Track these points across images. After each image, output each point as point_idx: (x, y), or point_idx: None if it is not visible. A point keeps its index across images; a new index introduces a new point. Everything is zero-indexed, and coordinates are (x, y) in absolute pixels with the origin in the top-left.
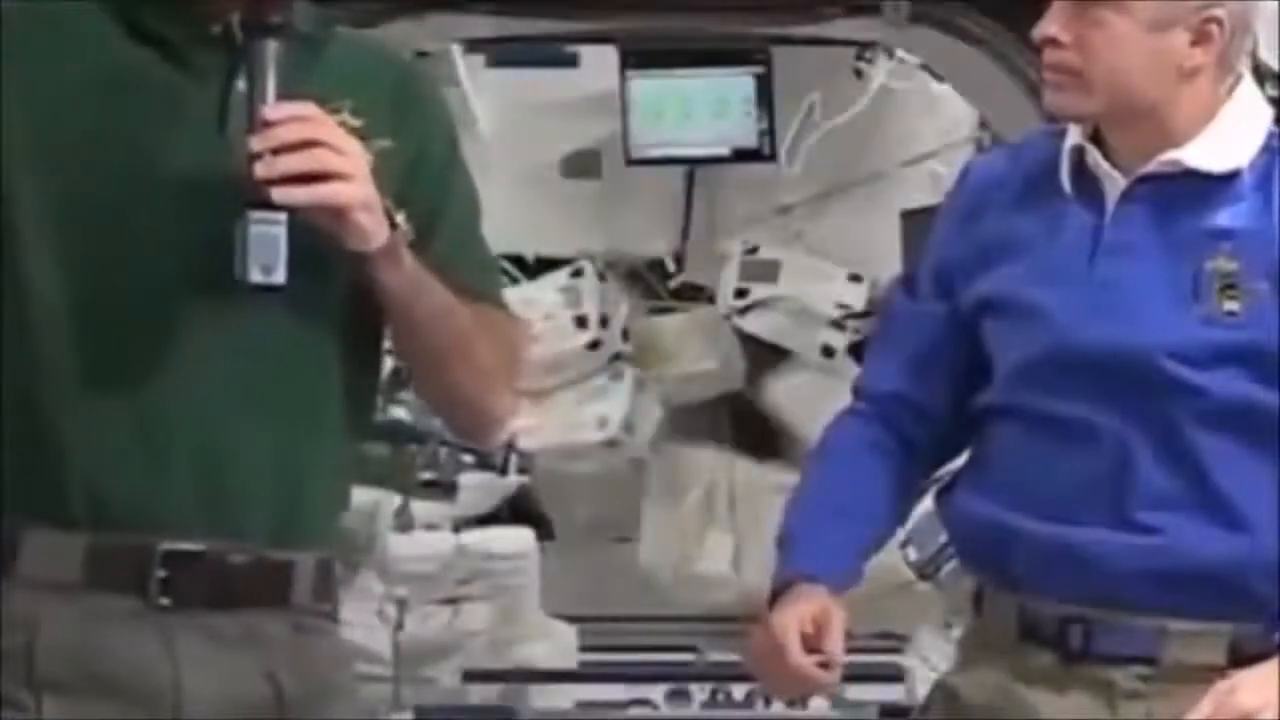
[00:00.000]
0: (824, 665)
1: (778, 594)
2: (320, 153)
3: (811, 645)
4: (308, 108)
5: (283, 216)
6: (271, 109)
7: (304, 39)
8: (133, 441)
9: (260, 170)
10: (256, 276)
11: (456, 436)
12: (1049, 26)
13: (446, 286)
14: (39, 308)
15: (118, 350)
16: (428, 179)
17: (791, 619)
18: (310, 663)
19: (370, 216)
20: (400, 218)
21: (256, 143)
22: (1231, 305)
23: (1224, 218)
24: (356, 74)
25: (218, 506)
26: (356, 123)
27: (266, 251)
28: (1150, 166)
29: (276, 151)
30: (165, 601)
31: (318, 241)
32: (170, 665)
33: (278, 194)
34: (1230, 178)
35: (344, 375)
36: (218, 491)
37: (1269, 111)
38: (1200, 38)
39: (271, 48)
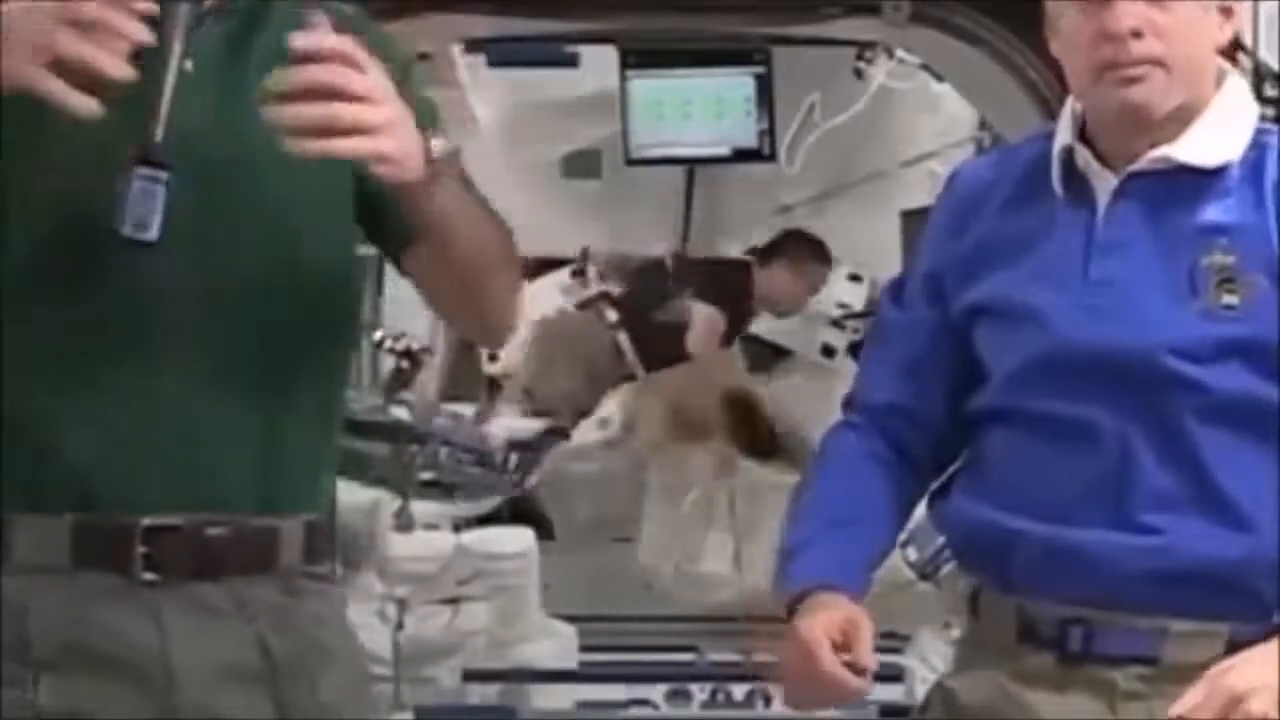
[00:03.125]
0: (856, 672)
1: (792, 607)
2: (340, 107)
3: (841, 653)
4: (340, 43)
5: (164, 176)
6: (299, 38)
7: (244, 13)
8: (110, 422)
9: (276, 116)
10: (130, 231)
11: (479, 342)
12: (1127, 19)
13: (409, 221)
14: (11, 290)
15: (90, 331)
16: None
17: (820, 627)
18: (301, 624)
19: (393, 167)
20: (439, 143)
21: (275, 83)
22: (1230, 299)
23: (1217, 213)
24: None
25: (197, 480)
26: None
27: (145, 207)
28: (1141, 163)
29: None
30: (150, 576)
31: (285, 208)
32: (158, 637)
33: (295, 145)
34: (1220, 173)
35: (320, 337)
36: (196, 465)
37: (1255, 106)
38: (1226, 14)
39: (183, 10)
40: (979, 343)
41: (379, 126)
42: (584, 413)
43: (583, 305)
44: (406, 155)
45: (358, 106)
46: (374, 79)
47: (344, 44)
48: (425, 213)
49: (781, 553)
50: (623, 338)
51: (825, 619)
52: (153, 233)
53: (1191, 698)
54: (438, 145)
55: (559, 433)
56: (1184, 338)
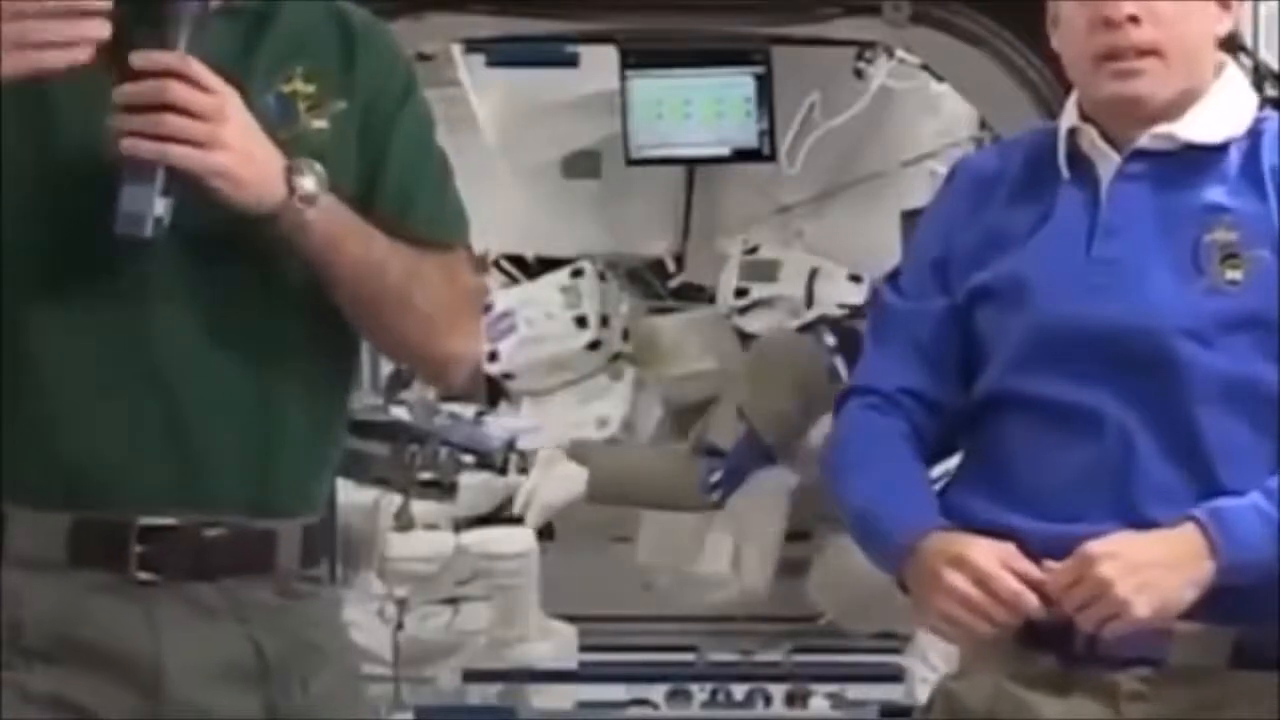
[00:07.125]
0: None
1: (904, 556)
2: (170, 118)
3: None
4: (173, 60)
5: (160, 175)
6: (138, 56)
7: (253, 12)
8: (108, 421)
9: (115, 123)
10: (123, 226)
11: (422, 378)
12: (1126, 6)
13: (398, 236)
14: (10, 290)
15: (88, 330)
16: (374, 131)
17: (985, 549)
18: (296, 626)
19: (233, 184)
20: (308, 181)
21: (118, 96)
22: (1234, 274)
23: (1218, 193)
24: (306, 37)
25: (194, 481)
26: (309, 88)
27: (137, 204)
28: (1143, 141)
29: (134, 109)
30: (145, 576)
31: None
32: (151, 635)
33: (126, 144)
34: (1220, 155)
35: (319, 342)
36: (194, 467)
37: (1253, 94)
38: (1224, 5)
39: (186, 10)
40: (981, 326)
41: (208, 140)
42: (795, 435)
43: (803, 328)
44: (246, 177)
45: (184, 119)
46: (213, 99)
47: (179, 61)
48: (300, 247)
49: (862, 513)
50: (839, 363)
51: (982, 545)
52: (146, 230)
53: (1064, 575)
54: (306, 183)
55: (764, 453)
56: (1188, 314)
